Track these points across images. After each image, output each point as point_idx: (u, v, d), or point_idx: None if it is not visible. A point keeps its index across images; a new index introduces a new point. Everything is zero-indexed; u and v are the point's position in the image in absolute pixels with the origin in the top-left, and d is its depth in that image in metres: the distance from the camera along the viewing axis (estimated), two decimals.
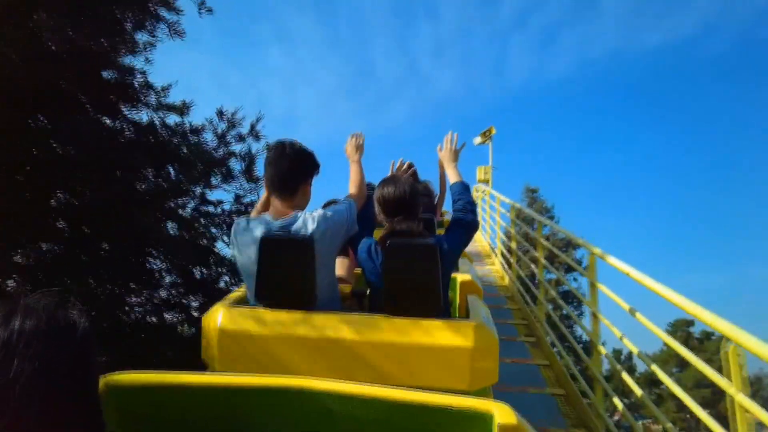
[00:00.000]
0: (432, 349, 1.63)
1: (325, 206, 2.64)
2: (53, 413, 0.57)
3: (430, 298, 1.75)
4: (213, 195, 5.63)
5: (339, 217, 1.95)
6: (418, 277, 1.77)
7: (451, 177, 2.31)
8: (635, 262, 3.18)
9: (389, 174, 2.56)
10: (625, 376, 3.08)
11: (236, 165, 5.58)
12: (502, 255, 7.97)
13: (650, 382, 24.69)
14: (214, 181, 5.43)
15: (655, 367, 2.95)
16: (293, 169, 1.95)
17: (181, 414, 1.20)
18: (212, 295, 5.03)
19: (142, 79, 4.93)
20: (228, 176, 5.56)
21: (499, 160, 14.04)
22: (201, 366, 1.79)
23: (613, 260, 3.28)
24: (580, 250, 18.16)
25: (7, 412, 0.54)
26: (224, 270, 5.50)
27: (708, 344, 27.58)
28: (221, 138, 5.55)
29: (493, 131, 13.74)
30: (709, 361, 2.47)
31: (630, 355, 26.97)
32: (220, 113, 5.68)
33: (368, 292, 2.25)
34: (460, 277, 2.40)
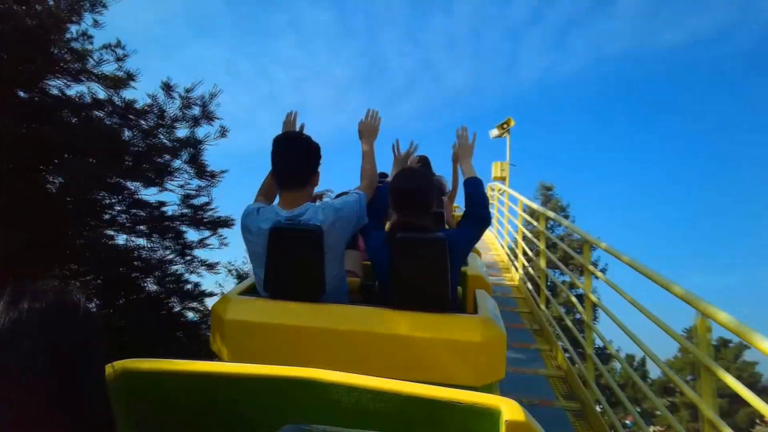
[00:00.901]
0: (439, 344, 1.62)
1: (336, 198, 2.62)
2: (59, 398, 0.57)
3: (438, 293, 1.74)
4: (166, 194, 4.32)
5: (348, 209, 1.94)
6: (426, 271, 1.75)
7: (466, 172, 2.29)
8: (644, 261, 3.07)
9: (396, 155, 2.48)
10: (639, 382, 3.01)
11: (185, 155, 4.33)
12: (525, 269, 6.82)
13: (664, 389, 24.30)
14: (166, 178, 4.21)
15: (671, 373, 2.88)
16: (303, 162, 1.94)
17: (189, 402, 1.21)
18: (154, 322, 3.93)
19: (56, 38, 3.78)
20: (165, 170, 4.25)
21: (514, 155, 13.24)
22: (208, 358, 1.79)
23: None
24: (595, 251, 17.75)
25: (15, 395, 0.53)
26: (174, 287, 4.38)
27: (725, 351, 27.05)
28: (160, 118, 4.24)
29: (512, 123, 12.13)
30: (726, 369, 2.39)
31: (643, 360, 26.58)
32: (167, 87, 4.27)
33: (377, 285, 2.24)
34: (469, 271, 2.38)
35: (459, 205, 6.87)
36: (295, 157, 1.93)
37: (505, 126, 12.20)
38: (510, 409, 0.97)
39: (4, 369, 0.54)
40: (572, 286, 14.98)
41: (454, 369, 1.60)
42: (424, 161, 3.47)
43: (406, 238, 1.81)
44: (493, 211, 9.26)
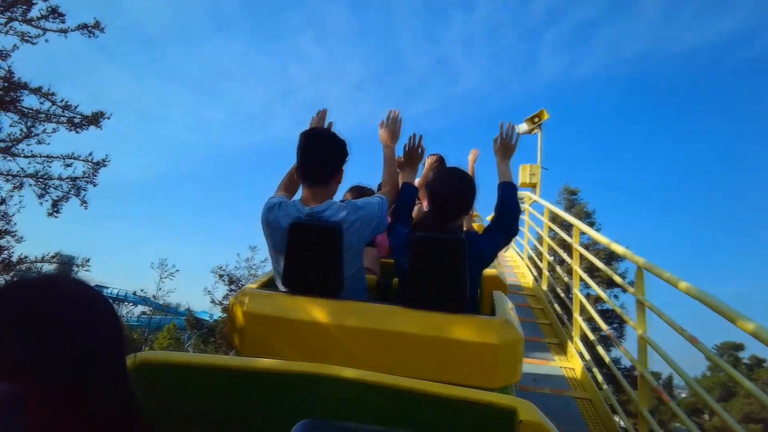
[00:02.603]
0: (455, 344, 1.61)
1: (351, 191, 2.62)
2: (79, 392, 0.55)
3: (456, 293, 1.72)
4: None
5: (370, 210, 1.93)
6: (443, 271, 1.74)
7: (501, 175, 2.23)
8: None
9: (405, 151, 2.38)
10: (672, 404, 2.89)
11: None
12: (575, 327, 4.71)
13: (692, 410, 23.48)
14: None
15: (704, 395, 2.74)
16: (328, 159, 1.93)
17: (207, 394, 1.24)
18: None
19: None
20: None
21: (544, 157, 10.12)
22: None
23: None
24: (623, 263, 17.16)
25: (35, 388, 0.52)
26: None
27: (759, 372, 26.00)
28: None
29: (545, 116, 9.94)
30: (764, 391, 2.26)
31: (669, 380, 25.77)
32: None
33: (394, 282, 2.23)
34: (486, 271, 2.35)
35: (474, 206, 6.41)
36: (320, 153, 1.91)
37: (536, 120, 10.03)
38: (525, 410, 0.98)
39: (25, 361, 0.53)
40: (597, 300, 14.20)
41: (471, 370, 1.58)
42: (440, 160, 3.42)
43: (425, 237, 1.79)
44: (523, 229, 8.17)
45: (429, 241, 1.78)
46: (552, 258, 6.40)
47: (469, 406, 1.02)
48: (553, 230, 6.37)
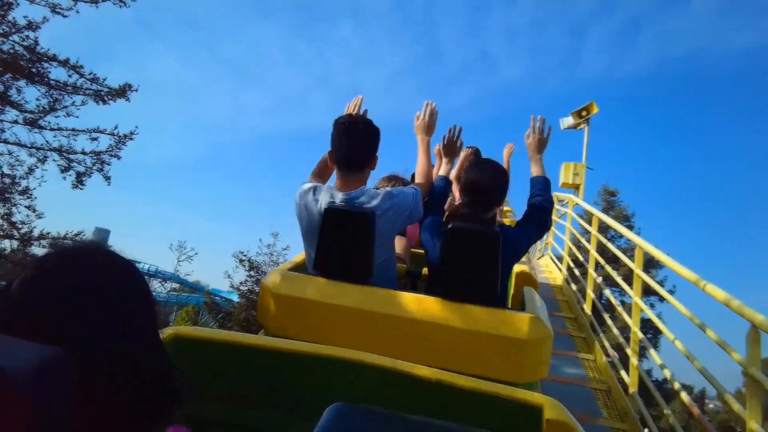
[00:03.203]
0: (484, 337, 1.59)
1: (385, 179, 2.63)
2: (118, 365, 0.55)
3: (487, 286, 1.71)
4: None
5: (404, 199, 1.93)
6: (476, 263, 1.73)
7: (534, 169, 2.21)
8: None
9: (444, 143, 2.35)
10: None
11: None
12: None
13: (724, 428, 22.56)
14: None
15: (740, 409, 2.61)
16: (363, 146, 1.93)
17: (238, 372, 1.27)
18: None
19: None
20: None
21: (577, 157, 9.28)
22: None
23: None
24: (662, 270, 16.45)
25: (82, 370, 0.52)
26: None
27: None
28: None
29: (595, 110, 9.02)
30: None
31: (702, 394, 24.85)
32: None
33: (423, 272, 2.21)
34: (516, 267, 2.33)
35: (507, 200, 6.10)
36: (355, 141, 1.92)
37: (584, 114, 9.16)
38: (552, 408, 0.97)
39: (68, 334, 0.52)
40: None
41: (497, 364, 1.57)
42: (476, 153, 3.38)
43: (460, 228, 1.78)
44: (563, 237, 7.13)
45: (463, 232, 1.77)
46: (595, 272, 5.48)
47: (495, 400, 1.02)
48: (601, 241, 5.48)
